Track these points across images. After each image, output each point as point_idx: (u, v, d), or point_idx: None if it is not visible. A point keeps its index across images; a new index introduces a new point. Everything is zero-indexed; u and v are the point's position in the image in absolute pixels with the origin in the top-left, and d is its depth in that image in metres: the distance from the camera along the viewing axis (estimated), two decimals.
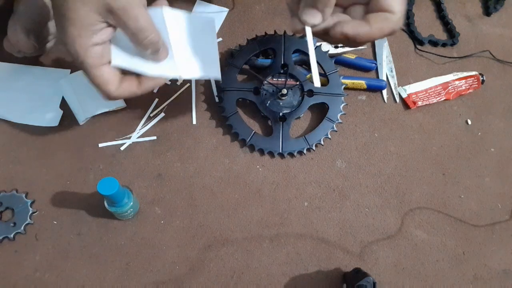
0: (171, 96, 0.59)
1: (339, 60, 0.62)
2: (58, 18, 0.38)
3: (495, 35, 0.67)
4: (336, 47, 0.61)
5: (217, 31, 0.63)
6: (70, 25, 0.37)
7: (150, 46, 0.40)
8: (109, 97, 0.42)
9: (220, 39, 0.62)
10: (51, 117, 0.57)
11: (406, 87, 0.62)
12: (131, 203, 0.49)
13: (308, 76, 0.59)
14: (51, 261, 0.51)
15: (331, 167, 0.57)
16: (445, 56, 0.64)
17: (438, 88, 0.62)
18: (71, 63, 0.59)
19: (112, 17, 0.37)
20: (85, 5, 0.36)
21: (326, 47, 0.60)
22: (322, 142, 0.57)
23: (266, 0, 0.64)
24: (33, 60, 0.59)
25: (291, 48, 0.58)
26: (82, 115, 0.56)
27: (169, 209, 0.54)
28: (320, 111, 0.59)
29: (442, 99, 0.62)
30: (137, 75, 0.43)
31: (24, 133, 0.56)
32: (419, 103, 0.61)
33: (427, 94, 0.61)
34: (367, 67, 0.62)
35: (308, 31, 0.39)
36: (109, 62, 0.41)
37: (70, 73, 0.59)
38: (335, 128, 0.57)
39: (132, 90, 0.43)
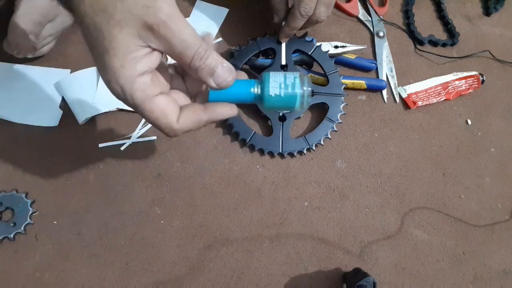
0: None
1: (339, 60, 0.62)
2: (95, 52, 0.33)
3: (495, 35, 0.67)
4: (336, 47, 0.61)
5: (217, 31, 0.63)
6: (109, 57, 0.32)
7: (200, 65, 0.34)
8: (172, 130, 0.36)
9: (220, 39, 0.62)
10: (51, 117, 0.57)
11: (406, 87, 0.62)
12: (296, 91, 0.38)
13: (308, 76, 0.59)
14: (51, 261, 0.51)
15: (331, 167, 0.57)
16: (445, 56, 0.64)
17: (438, 88, 0.62)
18: (71, 63, 0.59)
19: (153, 37, 0.32)
20: (122, 30, 0.31)
21: (326, 47, 0.60)
22: (322, 142, 0.57)
23: (266, 0, 0.64)
24: (33, 60, 0.59)
25: (291, 48, 0.58)
26: (82, 115, 0.56)
27: (169, 209, 0.54)
28: (320, 111, 0.59)
29: (442, 99, 0.62)
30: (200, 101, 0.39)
31: (24, 133, 0.56)
32: (419, 103, 0.61)
33: (427, 94, 0.61)
34: (367, 67, 0.62)
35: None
36: (161, 93, 0.35)
37: (70, 73, 0.59)
38: (335, 128, 0.57)
39: (198, 116, 0.37)
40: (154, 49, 0.33)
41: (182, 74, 0.39)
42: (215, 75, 0.35)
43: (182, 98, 0.38)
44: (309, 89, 0.38)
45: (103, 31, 0.31)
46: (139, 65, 0.33)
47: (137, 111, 0.35)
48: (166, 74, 0.38)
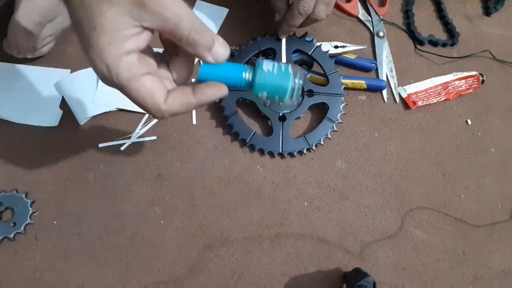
0: None
1: (339, 60, 0.62)
2: (81, 31, 0.32)
3: (495, 35, 0.67)
4: (336, 47, 0.61)
5: (217, 31, 0.63)
6: (96, 34, 0.31)
7: (198, 38, 0.34)
8: (159, 110, 0.34)
9: None
10: (51, 117, 0.57)
11: (406, 87, 0.62)
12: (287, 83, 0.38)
13: (308, 76, 0.59)
14: (51, 261, 0.51)
15: (331, 167, 0.57)
16: (445, 56, 0.64)
17: (438, 88, 0.62)
18: (71, 63, 0.59)
19: (145, 13, 0.31)
20: (112, 7, 0.30)
21: (326, 47, 0.60)
22: (322, 142, 0.57)
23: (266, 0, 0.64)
24: (33, 60, 0.59)
25: (291, 48, 0.58)
26: (82, 115, 0.56)
27: (169, 209, 0.54)
28: (320, 111, 0.59)
29: (442, 99, 0.62)
30: (190, 84, 0.37)
31: (24, 133, 0.56)
32: (419, 103, 0.61)
33: (427, 94, 0.61)
34: (367, 67, 0.62)
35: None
36: (148, 73, 0.34)
37: (70, 73, 0.59)
38: (335, 128, 0.57)
39: (187, 99, 0.35)
40: (145, 28, 0.32)
41: (168, 62, 0.38)
42: (212, 50, 0.35)
43: (169, 84, 0.37)
44: (300, 81, 0.38)
45: (92, 7, 0.31)
46: (127, 44, 0.32)
47: (123, 91, 0.33)
48: (154, 59, 0.37)
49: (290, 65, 0.38)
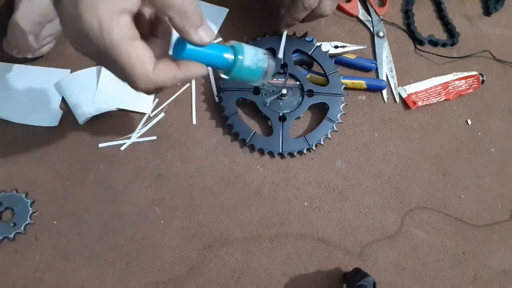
0: (171, 96, 0.59)
1: (339, 60, 0.62)
2: None
3: (495, 35, 0.67)
4: (336, 47, 0.61)
5: (217, 31, 0.63)
6: None
7: (191, 10, 0.32)
8: (148, 79, 0.32)
9: (220, 39, 0.62)
10: (51, 117, 0.57)
11: (406, 87, 0.62)
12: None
13: (308, 76, 0.59)
14: (51, 261, 0.51)
15: (331, 167, 0.57)
16: (445, 56, 0.64)
17: (438, 88, 0.62)
18: (71, 63, 0.59)
19: None
20: None
21: (326, 47, 0.60)
22: (322, 142, 0.57)
23: (266, 0, 0.64)
24: (33, 60, 0.59)
25: (291, 48, 0.58)
26: (82, 115, 0.56)
27: (169, 209, 0.54)
28: (320, 111, 0.59)
29: (442, 99, 0.62)
30: (174, 59, 0.35)
31: (24, 133, 0.56)
32: (419, 103, 0.61)
33: (427, 94, 0.61)
34: (367, 67, 0.62)
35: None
36: (139, 39, 0.31)
37: (70, 73, 0.59)
38: (335, 128, 0.57)
39: (174, 72, 0.34)
40: None
41: (146, 39, 0.36)
42: (199, 30, 0.33)
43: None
44: (273, 64, 0.40)
45: None
46: (123, 2, 0.29)
47: (109, 54, 0.30)
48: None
49: (265, 50, 0.40)
